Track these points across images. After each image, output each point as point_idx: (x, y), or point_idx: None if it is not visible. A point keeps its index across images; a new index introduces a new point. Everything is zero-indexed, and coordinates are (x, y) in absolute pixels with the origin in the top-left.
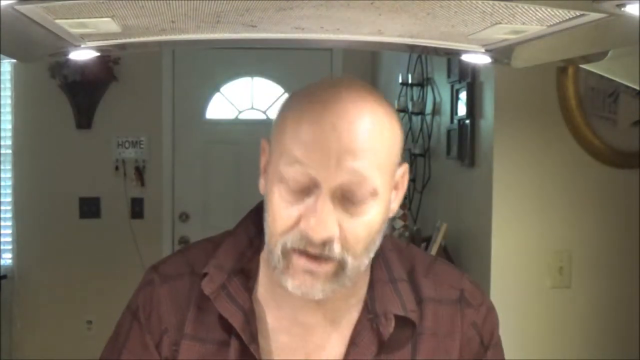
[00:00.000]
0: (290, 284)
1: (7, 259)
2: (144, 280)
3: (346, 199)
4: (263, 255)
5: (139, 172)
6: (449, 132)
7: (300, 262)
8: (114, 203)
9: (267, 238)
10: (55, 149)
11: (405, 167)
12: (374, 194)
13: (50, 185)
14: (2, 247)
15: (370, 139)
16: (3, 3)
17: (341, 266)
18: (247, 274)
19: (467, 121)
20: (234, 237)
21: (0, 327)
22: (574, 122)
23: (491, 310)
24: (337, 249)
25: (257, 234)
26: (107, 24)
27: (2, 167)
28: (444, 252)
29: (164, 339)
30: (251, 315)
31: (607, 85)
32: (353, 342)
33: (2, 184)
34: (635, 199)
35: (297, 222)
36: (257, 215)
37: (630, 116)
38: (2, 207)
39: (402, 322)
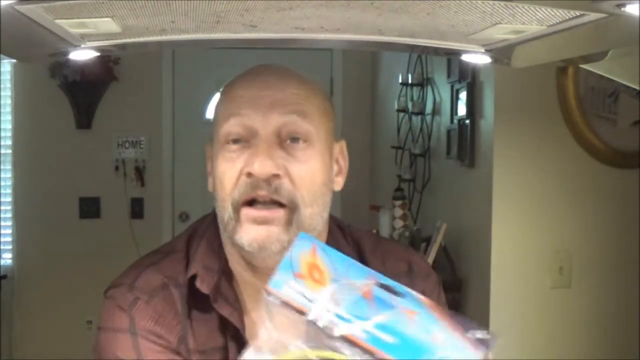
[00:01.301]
0: (245, 239)
1: (7, 259)
2: (124, 303)
3: (285, 143)
4: (230, 257)
5: (139, 172)
6: (449, 132)
7: (250, 212)
8: (114, 203)
9: (219, 210)
10: (55, 149)
11: (342, 143)
12: (309, 139)
13: (50, 185)
14: (2, 247)
15: (300, 94)
16: (3, 3)
17: (292, 212)
18: (228, 275)
19: (467, 121)
20: (206, 240)
21: (0, 327)
22: (574, 122)
23: (437, 279)
24: (285, 186)
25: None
26: (107, 24)
27: (2, 167)
28: (444, 252)
29: (182, 346)
30: (242, 315)
31: (607, 85)
32: None
33: (2, 184)
34: (635, 199)
35: (242, 172)
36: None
37: (630, 116)
38: (2, 207)
39: None
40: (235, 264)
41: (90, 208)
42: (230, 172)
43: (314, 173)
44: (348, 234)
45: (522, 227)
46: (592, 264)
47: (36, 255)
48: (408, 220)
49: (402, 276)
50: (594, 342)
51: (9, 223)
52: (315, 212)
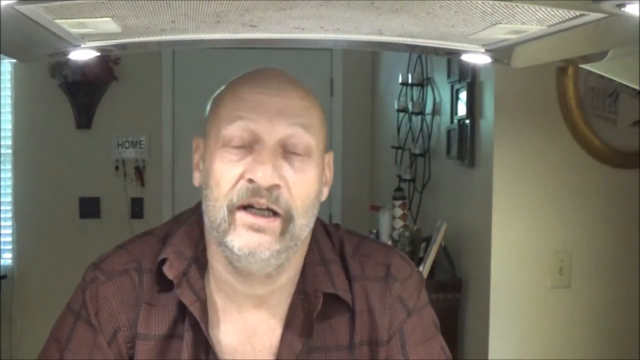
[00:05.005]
0: (236, 244)
1: (7, 259)
2: (86, 279)
3: (287, 153)
4: (210, 252)
5: (139, 172)
6: (449, 132)
7: (247, 218)
8: (114, 203)
9: (209, 209)
10: (55, 149)
11: (331, 154)
12: (309, 152)
13: (50, 185)
14: (2, 247)
15: (305, 105)
16: (3, 3)
17: (287, 222)
18: (201, 265)
19: (467, 121)
20: (187, 226)
21: (0, 327)
22: (574, 122)
23: (418, 280)
24: (284, 197)
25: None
26: (107, 24)
27: (2, 167)
28: (444, 252)
29: (117, 336)
30: (205, 306)
31: (607, 85)
32: (287, 324)
33: (2, 184)
34: (635, 199)
35: (242, 177)
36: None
37: (630, 116)
38: (2, 207)
39: (336, 303)
40: (215, 261)
41: (90, 208)
42: (229, 174)
43: (310, 185)
44: (335, 238)
45: (522, 227)
46: (592, 264)
47: (36, 255)
48: (408, 220)
49: (379, 281)
50: (594, 342)
51: (9, 223)
52: (305, 223)
